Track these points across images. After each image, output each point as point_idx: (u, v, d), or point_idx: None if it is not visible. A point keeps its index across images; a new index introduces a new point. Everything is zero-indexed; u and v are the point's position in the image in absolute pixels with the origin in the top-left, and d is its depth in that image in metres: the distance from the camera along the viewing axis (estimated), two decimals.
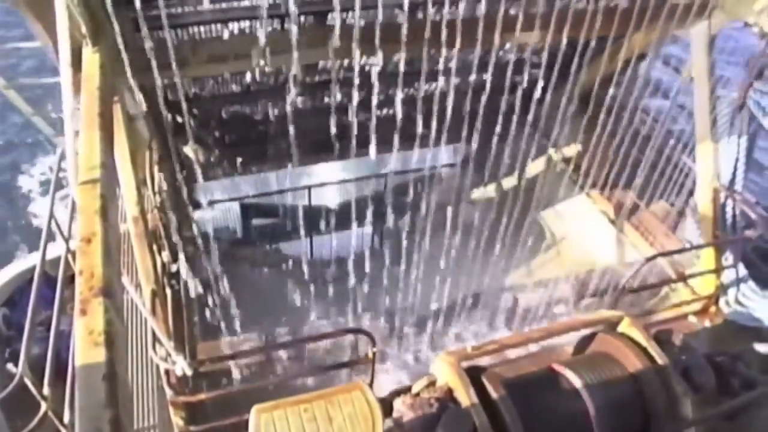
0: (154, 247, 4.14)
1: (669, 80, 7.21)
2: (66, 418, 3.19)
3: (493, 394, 2.86)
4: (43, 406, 3.07)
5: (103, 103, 2.71)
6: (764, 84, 4.71)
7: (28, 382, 3.00)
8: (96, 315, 1.78)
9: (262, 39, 4.25)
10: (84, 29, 2.86)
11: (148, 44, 3.98)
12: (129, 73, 3.54)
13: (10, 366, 3.41)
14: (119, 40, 3.46)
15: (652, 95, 6.81)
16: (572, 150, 7.11)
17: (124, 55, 3.48)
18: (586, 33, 4.77)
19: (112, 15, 3.23)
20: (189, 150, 5.30)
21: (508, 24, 4.25)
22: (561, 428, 2.99)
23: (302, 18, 4.26)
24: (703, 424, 2.81)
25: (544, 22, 4.43)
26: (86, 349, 1.68)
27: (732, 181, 5.03)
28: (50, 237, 3.89)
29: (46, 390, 3.09)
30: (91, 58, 2.93)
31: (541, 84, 6.48)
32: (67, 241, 4.08)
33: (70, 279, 3.46)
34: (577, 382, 3.08)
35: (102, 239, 2.06)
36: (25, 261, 5.79)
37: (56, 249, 4.50)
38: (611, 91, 6.69)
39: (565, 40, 5.42)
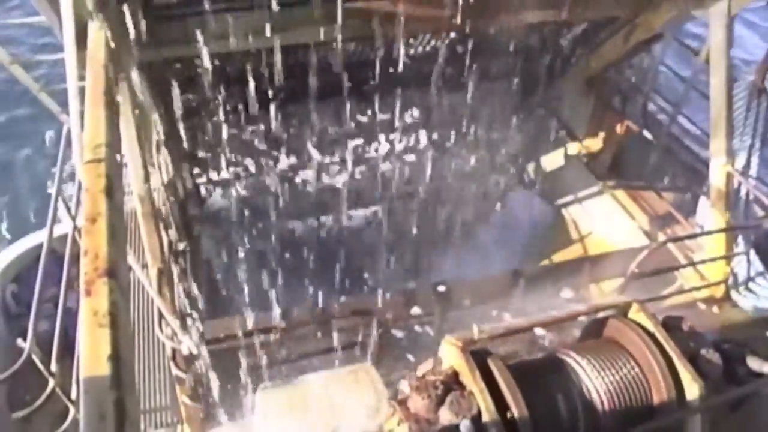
0: (161, 226, 4.14)
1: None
2: (74, 395, 3.22)
3: (499, 378, 2.85)
4: (51, 382, 3.10)
5: (108, 80, 2.68)
6: None
7: (35, 358, 3.03)
8: (101, 296, 1.77)
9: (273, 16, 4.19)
10: (90, 5, 2.82)
11: (155, 21, 3.94)
12: (135, 50, 3.50)
13: (18, 342, 3.44)
14: (126, 16, 3.41)
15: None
16: (586, 137, 7.00)
17: (131, 32, 3.43)
18: (600, 12, 4.67)
19: None
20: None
21: (517, 3, 4.15)
22: (566, 413, 2.98)
23: None
24: (709, 411, 2.80)
25: (555, 2, 4.32)
26: (91, 331, 1.68)
27: (746, 166, 4.96)
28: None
29: (53, 366, 3.12)
30: (96, 34, 2.88)
31: (552, 66, 6.38)
32: (73, 219, 4.09)
33: (77, 257, 3.47)
34: (582, 367, 3.06)
35: (107, 219, 2.04)
36: (33, 238, 5.81)
37: (64, 226, 4.52)
38: (626, 74, 6.58)
39: (578, 20, 5.30)
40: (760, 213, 5.22)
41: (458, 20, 4.19)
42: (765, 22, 13.84)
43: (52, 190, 4.14)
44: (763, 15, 13.45)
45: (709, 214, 4.95)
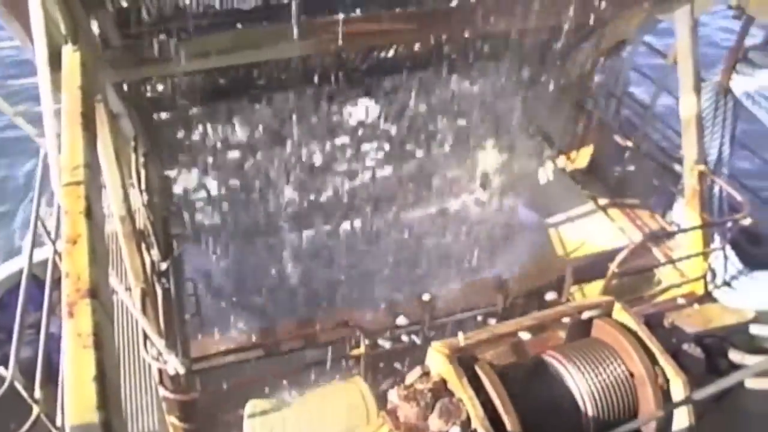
0: (143, 246, 4.11)
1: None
2: (59, 422, 3.17)
3: (487, 384, 2.88)
4: (35, 410, 3.05)
5: (85, 102, 2.67)
6: (747, 67, 4.73)
7: (18, 386, 2.98)
8: (84, 317, 1.76)
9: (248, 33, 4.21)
10: (63, 27, 2.81)
11: (130, 41, 3.94)
12: (111, 71, 3.49)
13: (0, 369, 3.39)
14: (100, 38, 3.41)
15: None
16: (562, 141, 7.09)
17: (106, 53, 3.43)
18: (567, 18, 4.76)
19: (91, 13, 3.19)
20: None
21: (486, 12, 4.22)
22: (554, 414, 3.01)
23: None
24: (694, 405, 2.85)
25: (522, 9, 4.40)
26: (75, 352, 1.67)
27: (718, 164, 5.07)
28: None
29: (37, 393, 3.07)
30: (71, 56, 2.88)
31: (526, 73, 6.49)
32: (54, 242, 4.05)
33: (58, 281, 3.43)
34: (568, 368, 3.10)
35: (88, 240, 2.04)
36: (13, 263, 5.72)
37: (44, 251, 4.47)
38: (596, 79, 6.71)
39: (545, 27, 5.39)
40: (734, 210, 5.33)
41: (429, 31, 4.26)
42: None
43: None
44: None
45: (685, 213, 5.05)
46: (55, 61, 2.82)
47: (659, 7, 4.77)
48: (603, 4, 4.60)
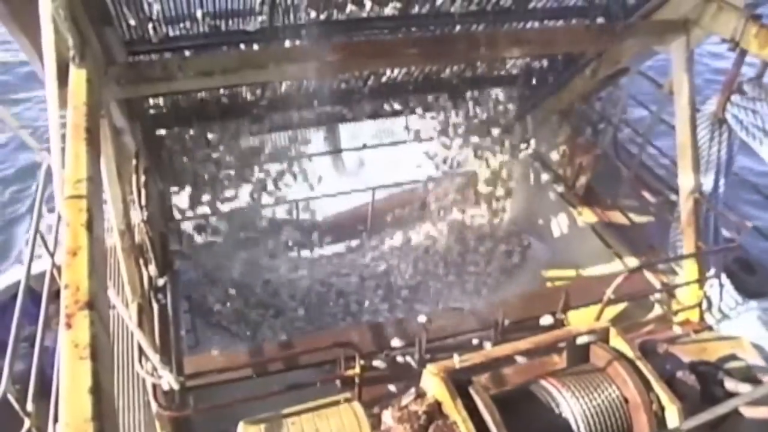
0: (141, 261, 4.12)
1: None
2: None
3: (481, 407, 2.87)
4: (27, 423, 3.04)
5: (89, 117, 2.72)
6: (741, 98, 4.82)
7: (11, 398, 2.97)
8: (81, 328, 1.78)
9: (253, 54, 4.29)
10: (71, 44, 2.87)
11: (135, 59, 4.01)
12: (116, 87, 3.55)
13: None
14: (106, 55, 3.48)
15: None
16: (560, 168, 7.15)
17: (112, 70, 3.50)
18: (567, 48, 4.86)
19: (99, 30, 3.26)
20: None
21: (487, 40, 4.32)
22: None
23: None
24: None
25: (524, 39, 4.50)
26: (71, 363, 1.68)
27: (714, 192, 5.12)
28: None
29: (30, 406, 3.06)
30: (77, 72, 2.93)
31: (524, 100, 6.59)
32: (52, 255, 4.06)
33: (54, 294, 3.44)
34: (564, 393, 3.10)
35: (88, 252, 2.06)
36: (9, 275, 5.71)
37: (41, 264, 4.47)
38: (595, 106, 6.81)
39: (545, 56, 5.51)
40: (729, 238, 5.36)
41: (431, 56, 4.35)
42: None
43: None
44: None
45: (681, 240, 5.09)
46: (62, 76, 2.87)
47: (655, 39, 4.88)
48: (599, 36, 4.70)
